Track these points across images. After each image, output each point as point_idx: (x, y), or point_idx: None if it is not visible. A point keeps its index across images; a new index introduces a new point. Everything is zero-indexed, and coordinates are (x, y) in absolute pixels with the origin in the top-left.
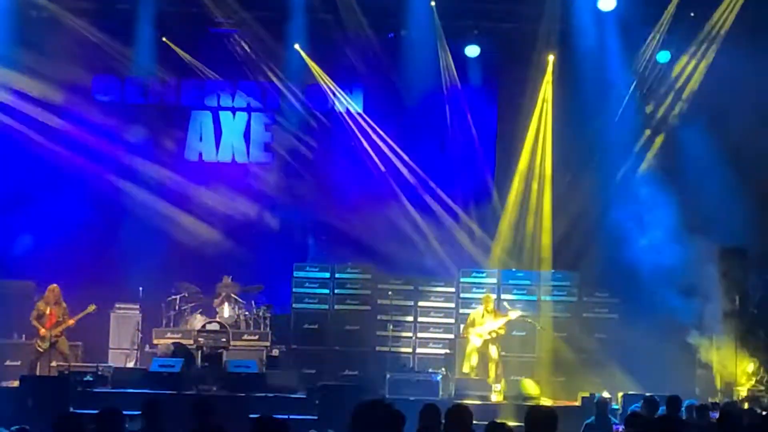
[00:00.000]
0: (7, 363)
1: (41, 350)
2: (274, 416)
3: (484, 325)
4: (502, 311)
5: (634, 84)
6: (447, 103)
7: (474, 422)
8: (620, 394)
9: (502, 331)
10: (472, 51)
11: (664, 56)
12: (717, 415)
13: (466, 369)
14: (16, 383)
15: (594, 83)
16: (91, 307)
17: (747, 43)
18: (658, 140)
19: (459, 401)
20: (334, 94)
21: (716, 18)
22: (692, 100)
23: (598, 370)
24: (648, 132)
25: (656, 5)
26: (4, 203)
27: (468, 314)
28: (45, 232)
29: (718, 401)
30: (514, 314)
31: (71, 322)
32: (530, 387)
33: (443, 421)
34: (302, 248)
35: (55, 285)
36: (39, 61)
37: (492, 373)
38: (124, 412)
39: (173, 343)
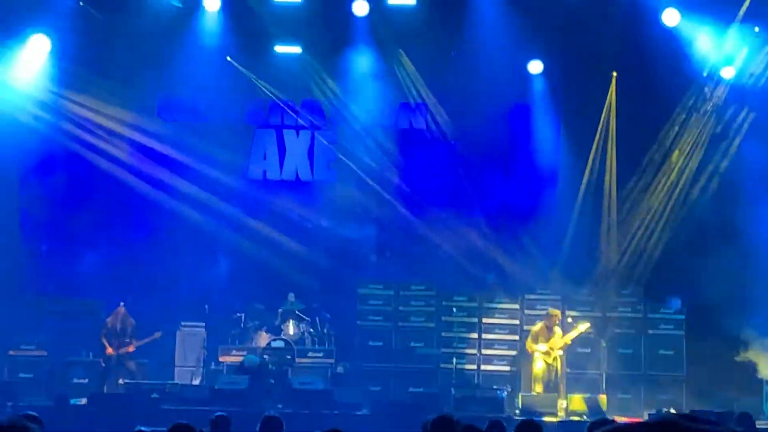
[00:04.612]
0: (75, 380)
1: (107, 366)
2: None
3: (554, 340)
4: (566, 328)
5: (698, 98)
6: (510, 120)
7: None
8: (687, 412)
9: (568, 341)
10: (535, 67)
11: (729, 70)
12: None
13: (536, 387)
14: (84, 401)
15: (658, 99)
16: (157, 334)
17: None
18: (725, 153)
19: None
20: (397, 111)
21: None
22: (757, 115)
23: (664, 387)
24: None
25: (720, 20)
26: (71, 222)
27: (529, 330)
28: (112, 250)
29: None
30: (583, 326)
31: (136, 344)
32: (578, 403)
33: None
34: (367, 265)
35: (122, 304)
36: (106, 81)
37: (561, 389)
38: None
39: (242, 360)
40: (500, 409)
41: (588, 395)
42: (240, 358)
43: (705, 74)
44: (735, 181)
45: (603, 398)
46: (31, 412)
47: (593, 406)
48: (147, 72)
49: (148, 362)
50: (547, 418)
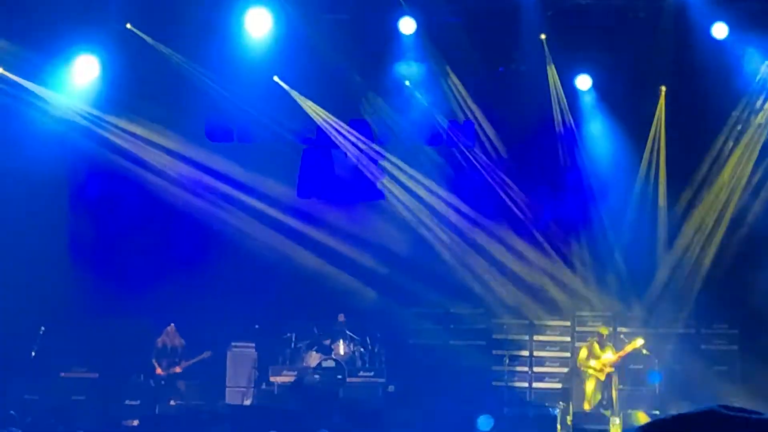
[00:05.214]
0: (127, 402)
1: (158, 387)
2: None
3: (605, 357)
4: (618, 344)
5: (749, 111)
6: (557, 136)
7: None
8: None
9: (621, 357)
10: (583, 83)
11: None
12: None
13: (589, 404)
14: (136, 422)
15: (708, 112)
16: (206, 354)
17: None
18: None
19: None
20: (444, 129)
21: None
22: None
23: (719, 402)
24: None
25: None
26: (121, 244)
27: (580, 347)
28: (161, 271)
29: None
30: (636, 342)
31: (185, 365)
32: (644, 420)
33: None
34: (416, 284)
35: (171, 325)
36: (154, 103)
37: (614, 405)
38: None
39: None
40: (552, 426)
41: (637, 411)
42: (290, 379)
43: (755, 87)
44: None
45: (640, 415)
46: None
47: (630, 423)
48: (194, 94)
49: (199, 383)
50: None
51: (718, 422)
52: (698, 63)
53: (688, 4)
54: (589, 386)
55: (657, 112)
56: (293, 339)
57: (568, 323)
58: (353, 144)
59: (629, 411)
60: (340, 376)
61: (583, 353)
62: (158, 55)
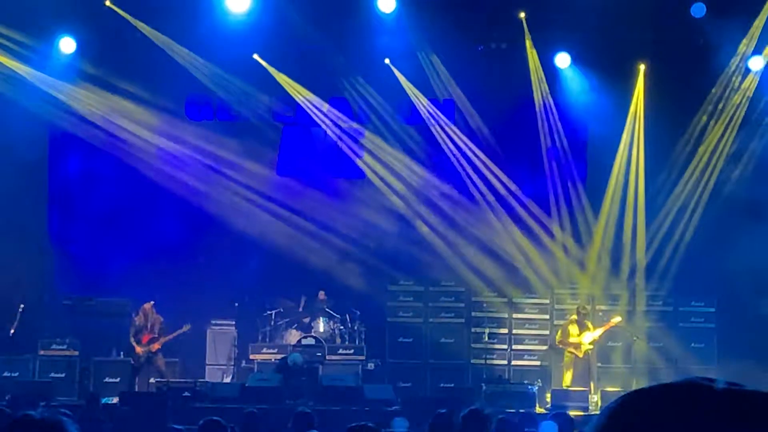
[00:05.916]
0: (107, 380)
1: (137, 365)
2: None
3: (584, 335)
4: (597, 322)
5: (728, 90)
6: (537, 114)
7: None
8: None
9: (599, 335)
10: (563, 61)
11: (757, 60)
12: None
13: (567, 381)
14: (115, 400)
15: (686, 90)
16: (186, 327)
17: None
18: (759, 139)
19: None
20: (424, 108)
21: None
22: None
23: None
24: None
25: (747, 12)
26: (101, 222)
27: (559, 324)
28: (140, 250)
29: None
30: (614, 320)
31: (164, 340)
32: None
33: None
34: (397, 262)
35: (150, 302)
36: (133, 81)
37: (592, 383)
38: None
39: (276, 359)
40: (531, 404)
41: (596, 389)
42: (270, 356)
43: (733, 66)
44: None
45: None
46: (63, 410)
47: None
48: (174, 72)
49: (179, 361)
50: (577, 413)
51: (702, 395)
52: (677, 42)
53: None
54: (568, 364)
55: (636, 90)
56: (273, 317)
57: (547, 301)
58: (333, 122)
59: (607, 388)
60: (319, 354)
61: (562, 331)
62: (138, 32)
